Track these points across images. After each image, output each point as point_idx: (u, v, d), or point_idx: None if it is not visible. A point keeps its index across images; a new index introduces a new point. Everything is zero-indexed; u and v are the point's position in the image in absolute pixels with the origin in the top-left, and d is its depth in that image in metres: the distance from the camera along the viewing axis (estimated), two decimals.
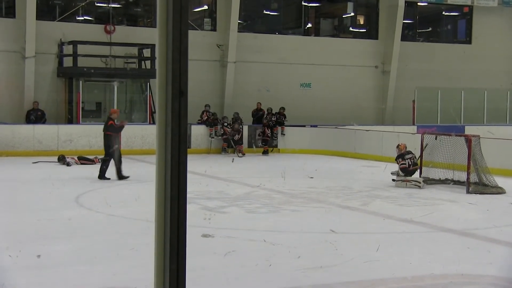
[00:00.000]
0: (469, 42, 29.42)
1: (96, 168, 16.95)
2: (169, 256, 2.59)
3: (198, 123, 22.76)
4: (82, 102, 22.04)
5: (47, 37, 22.03)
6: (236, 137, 21.96)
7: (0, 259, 7.55)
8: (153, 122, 22.11)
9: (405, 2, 26.67)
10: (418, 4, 28.42)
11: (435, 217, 10.81)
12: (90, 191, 13.28)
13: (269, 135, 23.11)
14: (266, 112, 23.52)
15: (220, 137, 22.59)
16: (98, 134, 21.12)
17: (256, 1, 26.58)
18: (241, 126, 22.16)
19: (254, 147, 23.15)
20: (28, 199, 12.33)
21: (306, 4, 26.81)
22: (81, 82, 21.91)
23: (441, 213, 11.40)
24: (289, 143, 23.50)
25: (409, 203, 12.38)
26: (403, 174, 14.68)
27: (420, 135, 15.85)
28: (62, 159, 18.10)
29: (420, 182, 14.46)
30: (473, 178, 13.80)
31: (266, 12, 27.14)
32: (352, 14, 28.25)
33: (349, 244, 8.68)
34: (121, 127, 15.00)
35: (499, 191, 13.65)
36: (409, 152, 15.01)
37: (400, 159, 14.88)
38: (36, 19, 21.69)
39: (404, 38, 27.43)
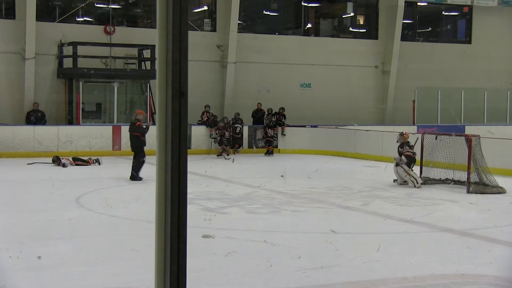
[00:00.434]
0: (469, 42, 29.42)
1: (91, 169, 16.97)
2: (169, 257, 2.60)
3: (199, 124, 22.76)
4: (82, 103, 22.04)
5: (47, 38, 22.03)
6: (226, 135, 21.80)
7: (0, 260, 7.55)
8: (153, 123, 22.11)
9: (405, 2, 26.67)
10: (418, 4, 28.42)
11: (436, 217, 10.81)
12: (91, 192, 13.28)
13: (271, 135, 23.08)
14: (266, 113, 23.52)
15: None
16: (99, 135, 21.25)
17: (256, 2, 26.59)
18: (227, 125, 21.98)
19: (254, 147, 23.14)
20: (28, 200, 12.33)
21: (305, 4, 26.81)
22: (81, 83, 21.91)
23: (442, 213, 11.40)
24: (289, 144, 23.50)
25: (409, 203, 12.38)
26: (406, 161, 14.58)
27: (420, 135, 15.85)
28: (56, 160, 18.07)
29: (418, 183, 14.45)
30: (474, 178, 13.80)
31: (266, 13, 27.15)
32: (352, 14, 28.25)
33: (350, 244, 8.69)
34: (148, 128, 15.07)
35: (500, 190, 13.65)
36: (409, 143, 15.05)
37: (406, 147, 14.77)
38: (36, 20, 21.68)
39: (404, 38, 27.43)
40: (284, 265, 7.45)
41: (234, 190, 13.78)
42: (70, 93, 22.27)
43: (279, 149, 23.44)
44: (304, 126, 23.85)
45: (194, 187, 13.18)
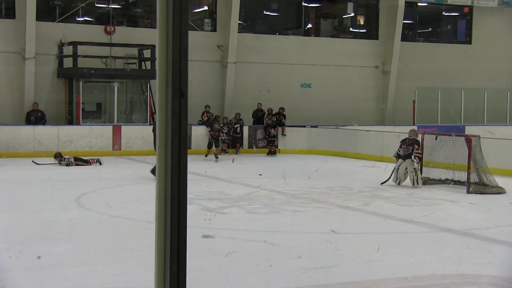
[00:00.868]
0: (469, 42, 29.42)
1: (91, 169, 17.00)
2: (169, 257, 2.60)
3: (199, 124, 22.76)
4: (82, 103, 22.03)
5: (47, 38, 22.02)
6: (222, 137, 21.69)
7: (0, 260, 7.55)
8: (153, 122, 22.10)
9: (405, 2, 26.67)
10: (418, 4, 28.41)
11: (436, 217, 10.81)
12: (91, 192, 13.28)
13: (273, 134, 23.04)
14: (266, 113, 23.53)
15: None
16: (99, 135, 21.24)
17: (256, 2, 26.57)
18: (222, 126, 21.78)
19: (254, 147, 23.14)
20: (28, 200, 12.33)
21: (306, 4, 26.80)
22: (81, 83, 21.90)
23: (442, 213, 11.40)
24: (289, 144, 23.50)
25: (409, 203, 12.38)
26: (417, 162, 14.47)
27: (421, 135, 15.83)
28: (58, 156, 18.06)
29: (418, 183, 14.42)
30: (474, 178, 13.80)
31: (266, 13, 27.14)
32: (352, 14, 28.25)
33: (350, 244, 8.69)
34: None
35: (499, 190, 13.65)
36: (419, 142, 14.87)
37: (416, 146, 14.53)
38: (36, 19, 21.67)
39: (404, 38, 27.42)
40: (284, 265, 7.45)
41: (234, 190, 13.79)
42: (70, 93, 22.26)
43: (279, 149, 23.44)
44: (304, 126, 23.85)
45: (194, 187, 13.18)
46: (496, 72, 29.08)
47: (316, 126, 24.11)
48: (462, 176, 14.28)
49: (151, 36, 22.14)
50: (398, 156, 14.65)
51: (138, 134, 21.49)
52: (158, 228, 2.60)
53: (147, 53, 23.09)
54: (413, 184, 14.37)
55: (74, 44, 21.77)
